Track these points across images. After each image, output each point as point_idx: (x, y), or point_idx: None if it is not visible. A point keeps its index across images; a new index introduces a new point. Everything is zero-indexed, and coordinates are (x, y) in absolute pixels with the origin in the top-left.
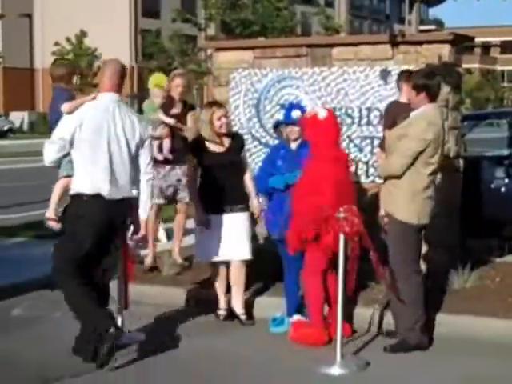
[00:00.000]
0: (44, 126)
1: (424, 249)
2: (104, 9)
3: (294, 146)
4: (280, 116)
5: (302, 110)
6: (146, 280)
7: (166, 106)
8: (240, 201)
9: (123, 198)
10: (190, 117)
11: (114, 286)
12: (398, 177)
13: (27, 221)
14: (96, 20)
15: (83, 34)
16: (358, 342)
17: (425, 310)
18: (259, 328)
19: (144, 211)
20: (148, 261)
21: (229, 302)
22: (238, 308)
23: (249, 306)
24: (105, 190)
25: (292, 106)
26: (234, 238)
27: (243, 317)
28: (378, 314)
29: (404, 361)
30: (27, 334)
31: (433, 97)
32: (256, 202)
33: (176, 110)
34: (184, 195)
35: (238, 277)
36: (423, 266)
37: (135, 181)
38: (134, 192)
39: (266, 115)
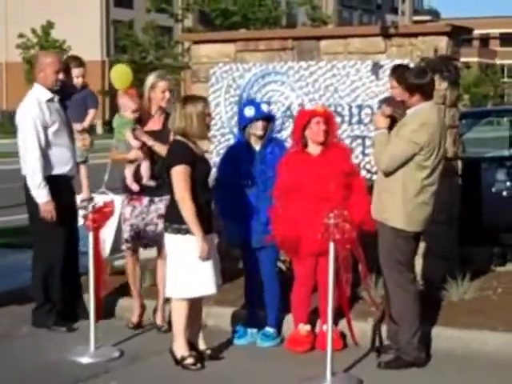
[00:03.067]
0: (11, 125)
1: (420, 258)
2: None
3: (257, 145)
4: (250, 112)
5: (263, 103)
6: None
7: (144, 121)
8: (213, 216)
9: None
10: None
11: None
12: (390, 182)
13: None
14: (64, 10)
15: (50, 24)
16: (350, 357)
17: (421, 322)
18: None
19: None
20: (134, 320)
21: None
22: (202, 343)
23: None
24: None
25: (252, 102)
26: (216, 261)
27: (209, 351)
28: (371, 328)
29: (399, 378)
30: None
31: (428, 96)
32: None
33: (157, 126)
34: None
35: (201, 306)
36: (419, 277)
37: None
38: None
39: None
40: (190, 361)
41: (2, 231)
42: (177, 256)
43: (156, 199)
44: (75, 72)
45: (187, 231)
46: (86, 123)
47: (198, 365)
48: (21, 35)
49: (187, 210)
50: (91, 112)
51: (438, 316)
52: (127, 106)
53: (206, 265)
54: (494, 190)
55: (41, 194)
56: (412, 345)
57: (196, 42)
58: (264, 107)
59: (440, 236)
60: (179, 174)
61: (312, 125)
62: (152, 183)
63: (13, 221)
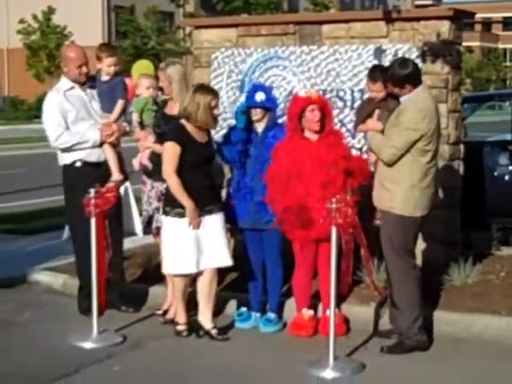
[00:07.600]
0: (13, 111)
1: (423, 242)
2: None
3: (259, 128)
4: (243, 99)
5: (266, 91)
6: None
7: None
8: (218, 199)
9: None
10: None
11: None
12: (395, 170)
13: None
14: None
15: (51, 10)
16: (353, 342)
17: (423, 307)
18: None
19: None
20: (164, 307)
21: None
22: (208, 322)
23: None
24: None
25: (256, 88)
26: (214, 243)
27: (214, 331)
28: (373, 313)
29: (402, 362)
30: None
31: (416, 83)
32: None
33: (174, 112)
34: None
35: (211, 287)
36: (422, 261)
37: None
38: None
39: None
40: (182, 328)
41: (4, 217)
42: (166, 235)
43: (156, 184)
44: (107, 61)
45: (176, 214)
46: (113, 116)
47: (186, 330)
48: (21, 21)
49: (173, 183)
50: (118, 104)
51: (440, 300)
52: (141, 85)
53: (188, 244)
54: (496, 173)
55: (86, 140)
56: (413, 329)
57: (198, 27)
58: (258, 96)
59: (442, 220)
60: (167, 150)
61: (307, 113)
62: (148, 164)
63: (15, 207)
